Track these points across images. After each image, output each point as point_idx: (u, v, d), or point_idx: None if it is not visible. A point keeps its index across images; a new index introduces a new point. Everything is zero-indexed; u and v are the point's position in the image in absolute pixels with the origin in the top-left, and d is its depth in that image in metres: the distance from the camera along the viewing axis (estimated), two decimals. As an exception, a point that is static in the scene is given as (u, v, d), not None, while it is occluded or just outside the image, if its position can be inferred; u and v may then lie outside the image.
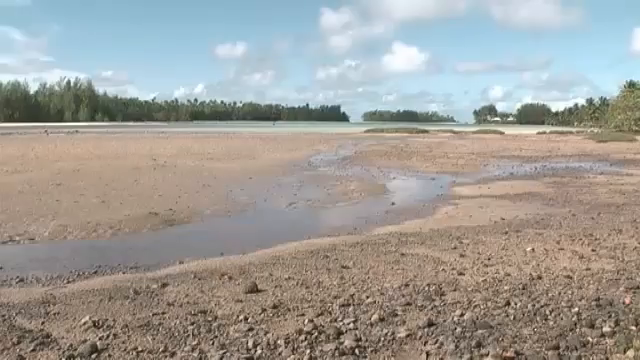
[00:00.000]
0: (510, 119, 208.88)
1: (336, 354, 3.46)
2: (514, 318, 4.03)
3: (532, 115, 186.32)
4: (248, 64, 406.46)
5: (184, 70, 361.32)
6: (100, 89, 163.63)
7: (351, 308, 4.50)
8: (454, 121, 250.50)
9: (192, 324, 4.18)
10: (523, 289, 5.00)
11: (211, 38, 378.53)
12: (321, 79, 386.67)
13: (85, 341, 3.79)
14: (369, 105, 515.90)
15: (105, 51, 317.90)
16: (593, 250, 7.01)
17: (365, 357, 3.45)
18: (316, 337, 3.76)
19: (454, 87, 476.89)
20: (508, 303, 4.42)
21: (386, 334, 3.78)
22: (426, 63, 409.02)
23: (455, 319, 4.05)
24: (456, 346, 3.48)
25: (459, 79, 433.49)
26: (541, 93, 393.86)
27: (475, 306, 4.41)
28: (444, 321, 4.03)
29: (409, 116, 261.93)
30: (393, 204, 12.63)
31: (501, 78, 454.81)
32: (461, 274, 5.85)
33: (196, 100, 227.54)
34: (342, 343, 3.62)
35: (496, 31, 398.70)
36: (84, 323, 4.19)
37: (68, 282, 6.14)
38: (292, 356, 3.47)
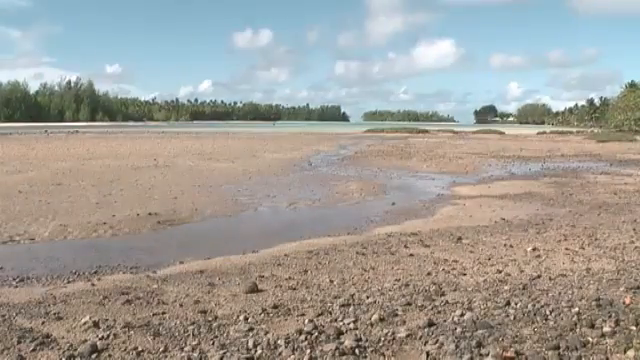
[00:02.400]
0: (510, 119, 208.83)
1: (336, 354, 3.45)
2: (514, 318, 4.03)
3: (532, 115, 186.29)
4: (265, 57, 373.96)
5: (189, 67, 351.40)
6: (101, 89, 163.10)
7: (351, 308, 4.50)
8: (454, 121, 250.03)
9: (192, 324, 4.18)
10: (523, 289, 5.00)
11: (227, 26, 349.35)
12: (339, 75, 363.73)
13: (85, 341, 3.79)
14: (378, 104, 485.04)
15: (106, 50, 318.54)
16: (593, 250, 7.01)
17: (365, 357, 3.45)
18: (316, 337, 3.76)
19: (476, 85, 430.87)
20: (508, 303, 4.41)
21: (386, 334, 3.77)
22: (457, 59, 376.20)
23: (455, 319, 4.05)
24: (456, 346, 3.47)
25: (485, 76, 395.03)
26: (562, 92, 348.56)
27: (475, 306, 4.41)
28: (444, 321, 4.03)
29: (409, 116, 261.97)
30: (393, 204, 12.63)
31: (530, 75, 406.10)
32: (461, 274, 5.86)
33: (196, 100, 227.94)
34: (342, 343, 3.61)
35: (559, 19, 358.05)
36: (84, 323, 4.19)
37: (68, 282, 6.14)
38: (292, 356, 3.47)
